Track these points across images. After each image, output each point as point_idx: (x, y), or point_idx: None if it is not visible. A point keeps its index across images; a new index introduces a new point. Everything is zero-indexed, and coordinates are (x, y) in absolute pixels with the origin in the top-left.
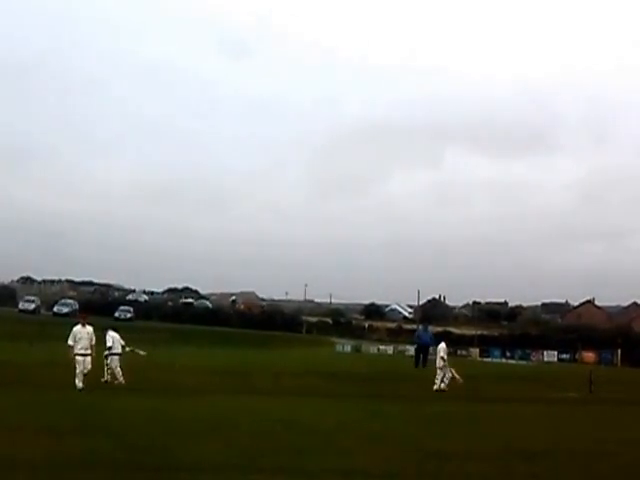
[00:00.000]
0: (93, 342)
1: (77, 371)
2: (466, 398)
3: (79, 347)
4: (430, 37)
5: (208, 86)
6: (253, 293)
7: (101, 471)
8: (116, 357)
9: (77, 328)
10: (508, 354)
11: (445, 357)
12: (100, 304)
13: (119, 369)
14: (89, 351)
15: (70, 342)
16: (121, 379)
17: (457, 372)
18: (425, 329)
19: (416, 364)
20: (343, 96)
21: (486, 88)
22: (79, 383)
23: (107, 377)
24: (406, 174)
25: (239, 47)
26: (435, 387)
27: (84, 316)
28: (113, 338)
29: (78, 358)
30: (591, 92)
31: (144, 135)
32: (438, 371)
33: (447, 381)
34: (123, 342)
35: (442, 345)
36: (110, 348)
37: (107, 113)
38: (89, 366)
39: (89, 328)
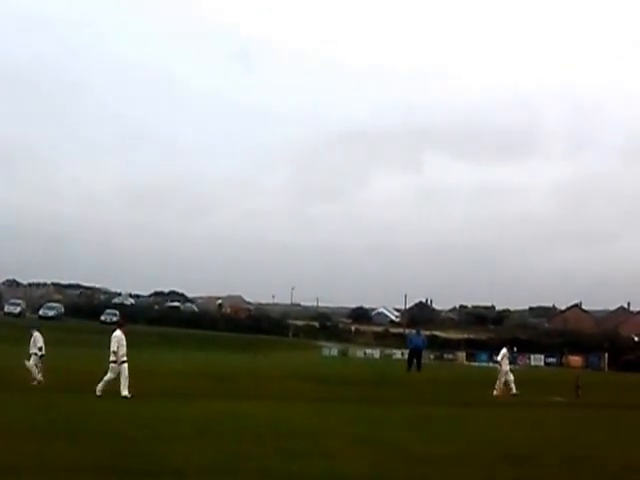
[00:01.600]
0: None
1: (113, 377)
2: (452, 402)
3: (121, 354)
4: (412, 44)
5: (192, 92)
6: (240, 297)
7: (86, 475)
8: (38, 357)
9: (119, 334)
10: (495, 358)
11: (507, 362)
12: (86, 307)
13: (35, 368)
14: (126, 358)
15: (114, 348)
16: (39, 377)
17: (443, 376)
18: (417, 333)
19: (409, 367)
20: (325, 102)
21: (467, 94)
22: (126, 392)
23: (39, 378)
24: (388, 179)
25: (225, 55)
26: (513, 391)
27: (124, 322)
28: (38, 339)
29: (114, 365)
30: (571, 97)
31: (129, 140)
32: (501, 377)
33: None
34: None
35: (504, 350)
36: (41, 348)
37: (93, 118)
38: (127, 373)
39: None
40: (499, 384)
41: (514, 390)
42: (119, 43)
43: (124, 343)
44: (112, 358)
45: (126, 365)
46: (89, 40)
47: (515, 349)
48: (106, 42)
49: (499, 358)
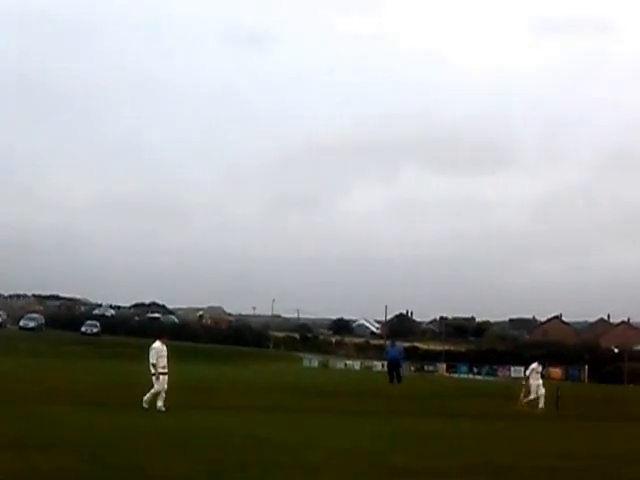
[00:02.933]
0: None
1: (158, 390)
2: (433, 414)
3: (161, 365)
4: (390, 54)
5: (168, 100)
6: (220, 308)
7: None
8: None
9: (158, 345)
10: (475, 370)
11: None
12: (66, 318)
13: None
14: (166, 370)
15: (153, 360)
16: None
17: (424, 388)
18: (393, 344)
19: (390, 380)
20: (303, 112)
21: (443, 106)
22: (161, 404)
23: None
24: (365, 190)
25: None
26: (540, 405)
27: (165, 333)
28: None
29: (162, 377)
30: (547, 111)
31: (107, 149)
32: (531, 391)
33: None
34: None
35: (534, 365)
36: None
37: (71, 127)
38: (166, 385)
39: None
40: (524, 397)
41: (541, 404)
42: (95, 51)
43: (164, 354)
44: (152, 371)
45: (165, 377)
46: (63, 51)
47: (545, 363)
48: (83, 51)
49: (528, 372)
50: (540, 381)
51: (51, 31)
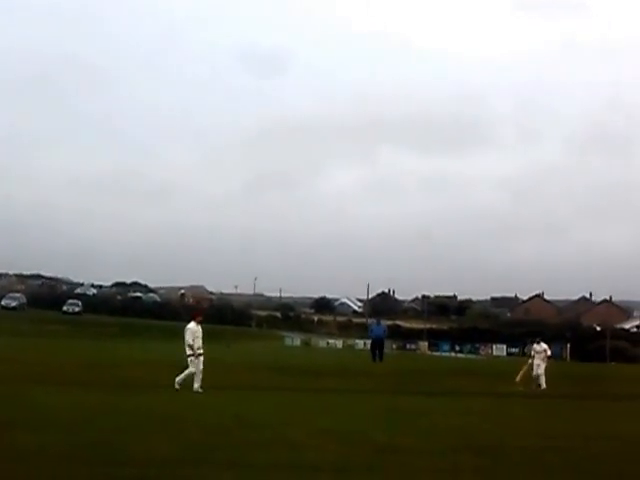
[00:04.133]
0: None
1: (192, 372)
2: (415, 392)
3: (196, 347)
4: (365, 35)
5: (147, 81)
6: (202, 287)
7: (50, 466)
8: None
9: (193, 326)
10: (457, 348)
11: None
12: (48, 298)
13: None
14: (202, 350)
15: (190, 341)
16: None
17: (406, 366)
18: (378, 323)
19: (373, 358)
20: (282, 91)
21: (420, 85)
22: (197, 385)
23: None
24: (343, 170)
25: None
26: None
27: (201, 313)
28: None
29: (199, 358)
30: (522, 90)
31: (88, 129)
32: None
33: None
34: None
35: (544, 345)
36: None
37: (49, 107)
38: (202, 366)
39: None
40: (534, 378)
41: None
42: (82, 34)
43: (200, 335)
44: (188, 352)
45: (201, 358)
46: (44, 33)
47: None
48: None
49: (543, 349)
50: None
51: (32, 11)
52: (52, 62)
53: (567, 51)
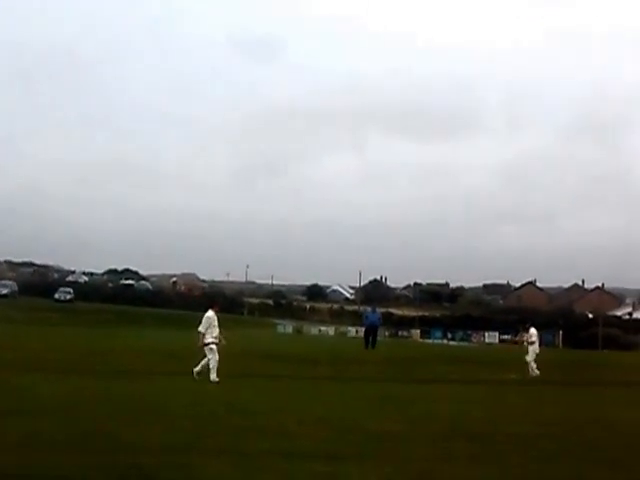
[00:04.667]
0: None
1: (212, 361)
2: (407, 380)
3: (213, 335)
4: (356, 21)
5: (136, 67)
6: (194, 274)
7: (41, 453)
8: None
9: (212, 315)
10: (449, 335)
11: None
12: (40, 285)
13: None
14: (218, 340)
15: (202, 329)
16: None
17: (398, 353)
18: (373, 310)
19: (366, 345)
20: (272, 78)
21: (411, 74)
22: (214, 375)
23: None
24: (334, 157)
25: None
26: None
27: (218, 303)
28: None
29: (213, 347)
30: (511, 77)
31: (78, 117)
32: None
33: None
34: None
35: (533, 330)
36: None
37: (37, 94)
38: (217, 356)
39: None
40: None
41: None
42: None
43: (216, 324)
44: (209, 340)
45: (213, 347)
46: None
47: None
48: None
49: (533, 338)
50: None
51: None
52: (41, 51)
53: (555, 40)
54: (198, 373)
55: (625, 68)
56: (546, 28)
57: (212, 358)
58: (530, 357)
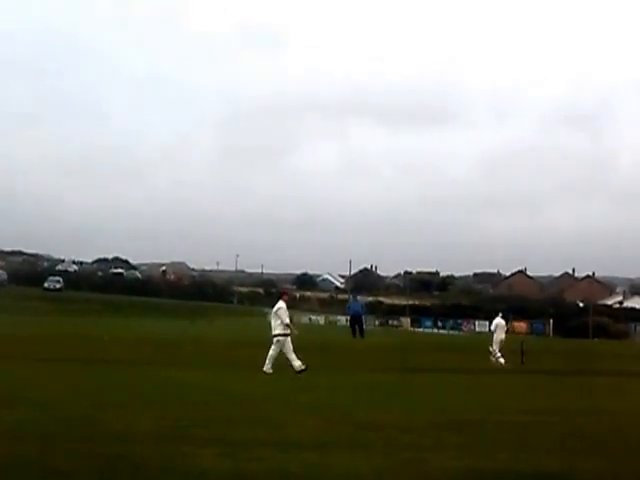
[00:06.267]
0: None
1: (272, 352)
2: (397, 368)
3: (284, 326)
4: (340, 14)
5: (120, 63)
6: (184, 263)
7: (30, 442)
8: None
9: (284, 305)
10: (440, 324)
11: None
12: (29, 274)
13: None
14: (287, 331)
15: (287, 319)
16: None
17: (388, 342)
18: (355, 299)
19: (353, 334)
20: (254, 72)
21: (393, 63)
22: (269, 366)
23: None
24: (323, 146)
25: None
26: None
27: (287, 292)
28: None
29: (280, 339)
30: (494, 68)
31: (61, 108)
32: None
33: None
34: None
35: (498, 319)
36: None
37: (22, 87)
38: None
39: None
40: (494, 352)
41: (502, 360)
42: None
43: (287, 314)
44: (279, 331)
45: (282, 339)
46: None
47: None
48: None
49: (492, 327)
50: (503, 336)
51: None
52: (26, 40)
53: (539, 30)
54: (290, 365)
55: (607, 56)
56: (527, 19)
57: (275, 350)
58: (495, 346)
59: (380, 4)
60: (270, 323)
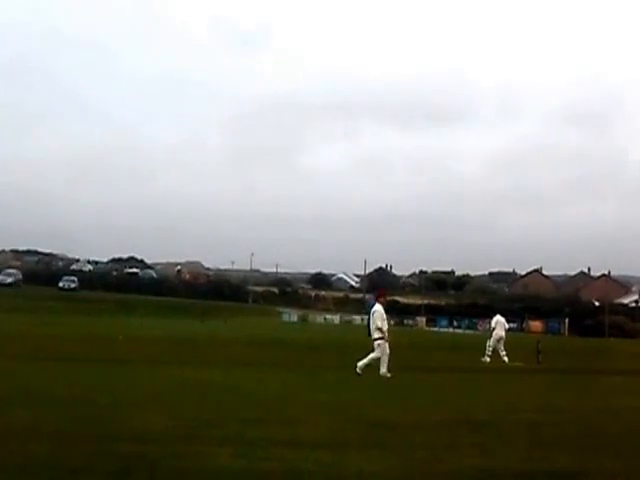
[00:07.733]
0: None
1: (378, 356)
2: (413, 367)
3: (385, 329)
4: (349, 14)
5: (127, 64)
6: (199, 263)
7: (45, 442)
8: None
9: (381, 308)
10: (455, 323)
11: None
12: (44, 274)
13: None
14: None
15: (379, 323)
16: None
17: (404, 341)
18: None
19: (369, 333)
20: (266, 68)
21: (404, 63)
22: (385, 370)
23: None
24: (331, 148)
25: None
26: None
27: (384, 293)
28: None
29: (380, 342)
30: (504, 66)
31: (71, 109)
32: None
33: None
34: None
35: (497, 317)
36: None
37: (36, 88)
38: (388, 350)
39: None
40: (488, 351)
41: (488, 359)
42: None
43: (385, 317)
44: (377, 335)
45: (382, 343)
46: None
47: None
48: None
49: (493, 324)
50: (503, 333)
51: None
52: (35, 39)
53: (547, 30)
54: (361, 368)
55: (617, 54)
56: (538, 18)
57: (381, 354)
58: (491, 343)
59: (391, 2)
60: (368, 326)
